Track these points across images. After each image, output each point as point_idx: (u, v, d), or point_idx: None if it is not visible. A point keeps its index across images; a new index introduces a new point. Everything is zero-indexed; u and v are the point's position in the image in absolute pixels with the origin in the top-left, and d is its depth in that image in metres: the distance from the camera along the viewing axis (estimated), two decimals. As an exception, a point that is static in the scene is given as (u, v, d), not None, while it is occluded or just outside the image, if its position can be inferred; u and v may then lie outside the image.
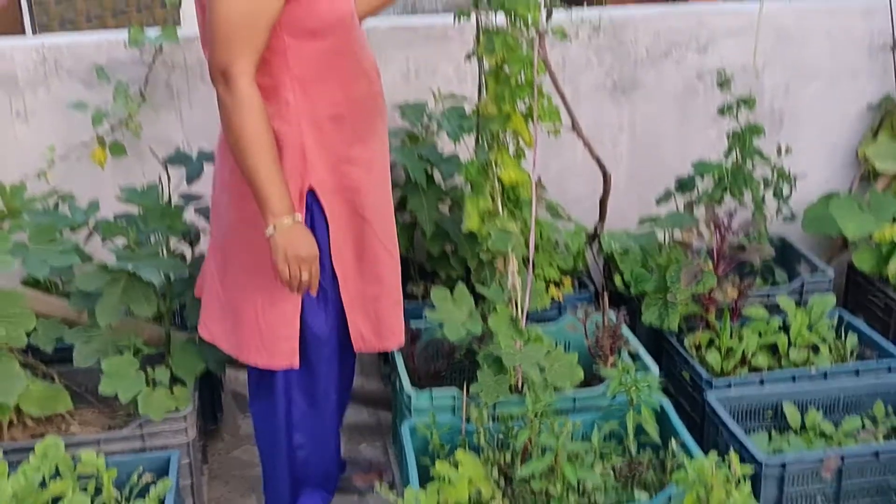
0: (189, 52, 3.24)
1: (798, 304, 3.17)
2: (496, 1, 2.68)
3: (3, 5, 2.50)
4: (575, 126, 2.78)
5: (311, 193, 2.36)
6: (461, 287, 2.70)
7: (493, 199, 2.84)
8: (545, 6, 2.71)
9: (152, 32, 3.17)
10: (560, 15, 3.58)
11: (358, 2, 2.50)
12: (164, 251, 2.81)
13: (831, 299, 3.13)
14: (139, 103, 3.14)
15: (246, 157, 2.19)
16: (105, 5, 14.27)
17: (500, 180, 2.82)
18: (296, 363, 2.44)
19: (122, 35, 3.23)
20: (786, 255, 3.58)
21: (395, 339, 2.59)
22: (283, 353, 2.43)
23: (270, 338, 2.42)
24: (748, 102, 3.24)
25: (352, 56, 2.36)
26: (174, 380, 2.69)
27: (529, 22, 2.66)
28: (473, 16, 2.66)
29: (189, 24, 7.64)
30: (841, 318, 3.18)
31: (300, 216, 2.28)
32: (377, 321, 2.54)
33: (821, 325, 3.07)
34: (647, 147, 3.67)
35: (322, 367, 2.52)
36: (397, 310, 2.58)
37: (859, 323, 3.16)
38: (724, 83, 3.26)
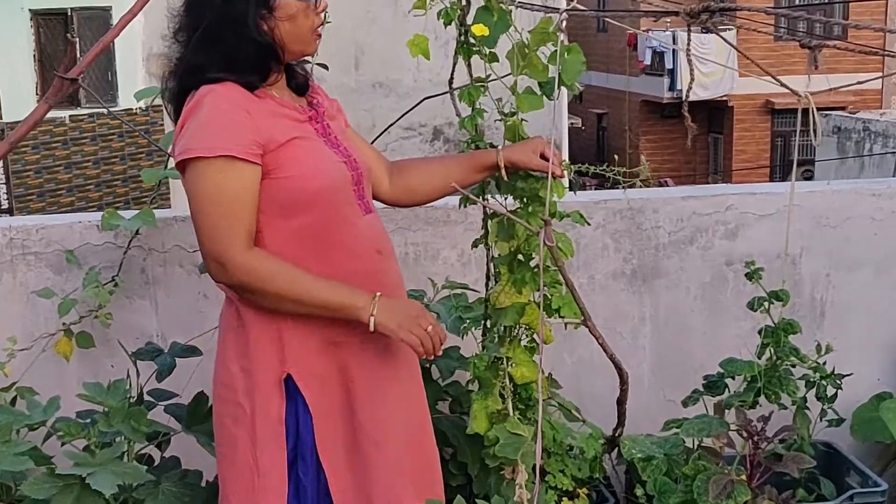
0: (167, 236, 3.32)
1: (848, 521, 3.12)
2: (507, 186, 2.76)
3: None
4: (587, 321, 2.81)
5: (293, 381, 2.39)
6: (459, 499, 2.67)
7: (503, 398, 2.84)
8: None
9: (128, 215, 3.25)
10: (574, 198, 3.67)
11: (424, 182, 2.77)
12: (128, 455, 2.81)
13: (885, 516, 3.08)
14: (111, 290, 3.20)
15: (296, 299, 2.32)
16: (89, 176, 14.69)
17: (511, 378, 2.84)
18: None
19: (95, 217, 3.32)
20: (832, 463, 3.52)
21: None
22: None
23: None
24: (781, 297, 3.25)
25: (336, 235, 2.42)
26: None
27: (547, 206, 2.74)
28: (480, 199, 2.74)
29: (179, 199, 7.81)
30: (897, 539, 3.12)
31: (378, 293, 2.36)
32: None
33: (874, 547, 3.01)
34: (672, 341, 3.68)
35: None
36: None
37: (919, 544, 3.10)
38: (752, 274, 3.27)
